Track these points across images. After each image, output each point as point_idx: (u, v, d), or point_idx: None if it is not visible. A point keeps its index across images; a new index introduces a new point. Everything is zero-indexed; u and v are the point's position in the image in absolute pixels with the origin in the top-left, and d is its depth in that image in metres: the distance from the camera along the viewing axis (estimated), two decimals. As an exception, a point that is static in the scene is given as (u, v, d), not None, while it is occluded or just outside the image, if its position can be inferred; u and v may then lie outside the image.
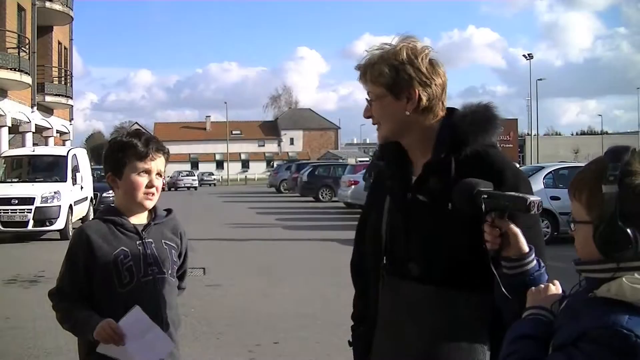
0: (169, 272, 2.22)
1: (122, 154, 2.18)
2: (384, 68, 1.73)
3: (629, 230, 1.26)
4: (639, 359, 1.20)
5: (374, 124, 1.83)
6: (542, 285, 1.49)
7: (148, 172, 2.18)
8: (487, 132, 1.74)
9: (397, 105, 1.75)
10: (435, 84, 1.74)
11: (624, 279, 1.27)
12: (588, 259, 1.34)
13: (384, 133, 1.81)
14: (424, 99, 1.73)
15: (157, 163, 2.20)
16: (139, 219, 2.24)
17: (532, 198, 1.47)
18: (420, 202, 1.75)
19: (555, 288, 1.47)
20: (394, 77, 1.72)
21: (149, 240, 2.20)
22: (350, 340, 2.03)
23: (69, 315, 2.16)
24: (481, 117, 1.75)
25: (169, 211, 2.34)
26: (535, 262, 1.54)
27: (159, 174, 2.22)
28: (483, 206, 1.51)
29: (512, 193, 1.52)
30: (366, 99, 1.83)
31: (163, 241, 2.24)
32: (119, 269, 2.13)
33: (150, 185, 2.18)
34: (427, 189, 1.74)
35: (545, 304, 1.43)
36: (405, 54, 1.73)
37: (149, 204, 2.22)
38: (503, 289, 1.52)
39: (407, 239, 1.77)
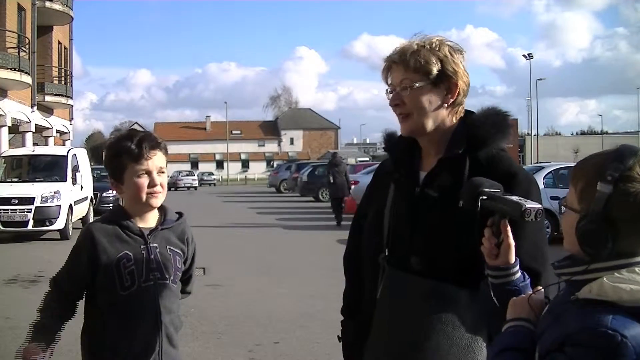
0: (171, 278, 2.21)
1: (119, 160, 2.16)
2: (430, 57, 1.74)
3: (608, 233, 1.27)
4: (626, 359, 1.19)
5: (400, 114, 1.79)
6: (523, 296, 1.48)
7: (147, 172, 2.15)
8: (504, 135, 1.78)
9: (437, 96, 1.77)
10: (467, 83, 1.80)
11: (604, 278, 1.27)
12: (570, 245, 1.35)
13: (414, 126, 1.78)
14: (462, 94, 1.78)
15: (155, 161, 2.16)
16: (148, 222, 2.23)
17: (528, 205, 1.46)
18: (429, 196, 1.76)
19: (537, 297, 1.46)
20: (439, 68, 1.74)
21: (154, 245, 2.19)
22: (340, 335, 2.04)
23: (41, 313, 2.18)
24: (502, 121, 1.79)
25: (180, 215, 2.32)
26: (519, 273, 1.55)
27: (160, 171, 2.19)
28: (479, 207, 1.52)
29: (513, 197, 1.50)
30: (392, 89, 1.80)
31: (168, 247, 2.22)
32: (121, 272, 2.13)
33: (152, 184, 2.15)
34: (438, 185, 1.76)
35: (527, 314, 1.43)
36: (447, 49, 1.77)
37: (156, 202, 2.19)
38: (492, 295, 1.53)
39: (412, 232, 1.77)
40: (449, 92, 1.76)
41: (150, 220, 2.23)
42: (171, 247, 2.23)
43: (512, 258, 1.54)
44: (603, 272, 1.28)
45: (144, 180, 2.15)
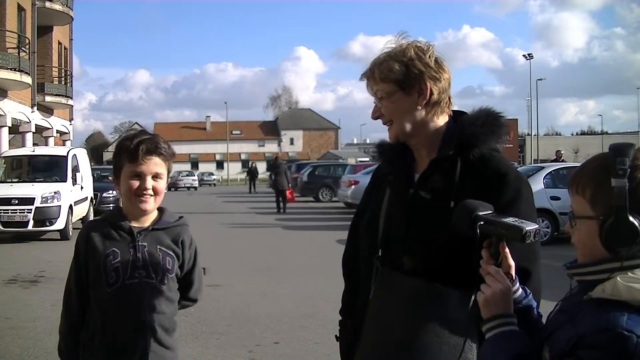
0: (159, 278, 2.19)
1: (118, 158, 2.19)
2: (393, 64, 1.76)
3: (637, 224, 1.24)
4: None
5: (384, 123, 1.85)
6: (494, 291, 1.42)
7: (139, 175, 2.15)
8: (497, 136, 1.78)
9: (409, 100, 1.78)
10: (444, 79, 1.80)
11: (618, 278, 1.25)
12: (588, 257, 1.32)
13: (396, 131, 1.82)
14: (435, 92, 1.78)
15: (150, 165, 2.15)
16: (144, 222, 2.23)
17: (528, 227, 1.43)
18: (422, 198, 1.77)
19: (501, 282, 1.42)
20: (404, 72, 1.76)
21: (143, 244, 2.19)
22: (337, 335, 2.04)
23: (61, 342, 2.27)
24: (493, 121, 1.79)
25: (180, 218, 2.32)
26: (520, 290, 1.52)
27: (156, 176, 2.18)
28: (478, 232, 1.49)
29: (510, 220, 1.47)
30: (373, 101, 1.85)
31: (158, 247, 2.21)
32: (107, 268, 2.15)
33: (142, 187, 2.15)
34: (430, 186, 1.77)
35: (503, 309, 1.40)
36: (413, 51, 1.78)
37: (145, 206, 2.19)
38: None
39: (406, 233, 1.78)
40: (420, 93, 1.78)
41: (146, 221, 2.24)
42: (162, 248, 2.22)
43: (512, 276, 1.51)
44: (616, 272, 1.26)
45: (135, 183, 2.15)
